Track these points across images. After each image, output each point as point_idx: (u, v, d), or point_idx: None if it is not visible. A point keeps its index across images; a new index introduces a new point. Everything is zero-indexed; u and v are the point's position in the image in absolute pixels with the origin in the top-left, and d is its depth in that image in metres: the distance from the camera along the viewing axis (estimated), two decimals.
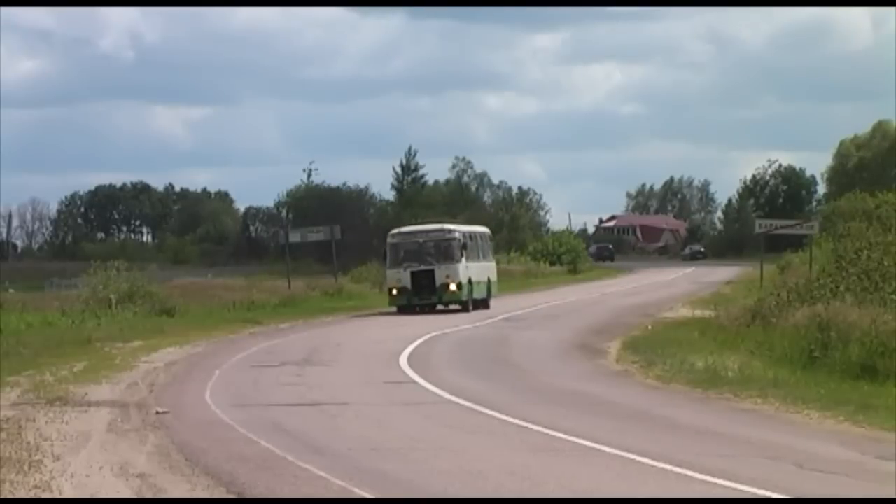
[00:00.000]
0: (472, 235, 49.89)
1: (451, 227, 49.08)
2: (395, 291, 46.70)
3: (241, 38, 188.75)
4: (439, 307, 46.75)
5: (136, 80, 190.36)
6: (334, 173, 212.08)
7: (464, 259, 46.70)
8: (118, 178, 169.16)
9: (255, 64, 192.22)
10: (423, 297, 46.25)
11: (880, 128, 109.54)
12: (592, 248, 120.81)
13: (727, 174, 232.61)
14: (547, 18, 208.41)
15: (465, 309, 46.13)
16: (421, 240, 47.25)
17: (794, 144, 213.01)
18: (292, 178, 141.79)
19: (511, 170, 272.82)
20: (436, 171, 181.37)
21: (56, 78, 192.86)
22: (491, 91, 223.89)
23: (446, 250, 46.80)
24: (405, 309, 45.84)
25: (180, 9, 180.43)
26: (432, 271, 46.18)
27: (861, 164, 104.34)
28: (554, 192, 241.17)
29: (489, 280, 49.81)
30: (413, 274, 46.24)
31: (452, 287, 46.02)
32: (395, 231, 48.95)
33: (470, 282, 46.84)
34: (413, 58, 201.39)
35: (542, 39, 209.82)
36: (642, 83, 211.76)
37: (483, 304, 47.96)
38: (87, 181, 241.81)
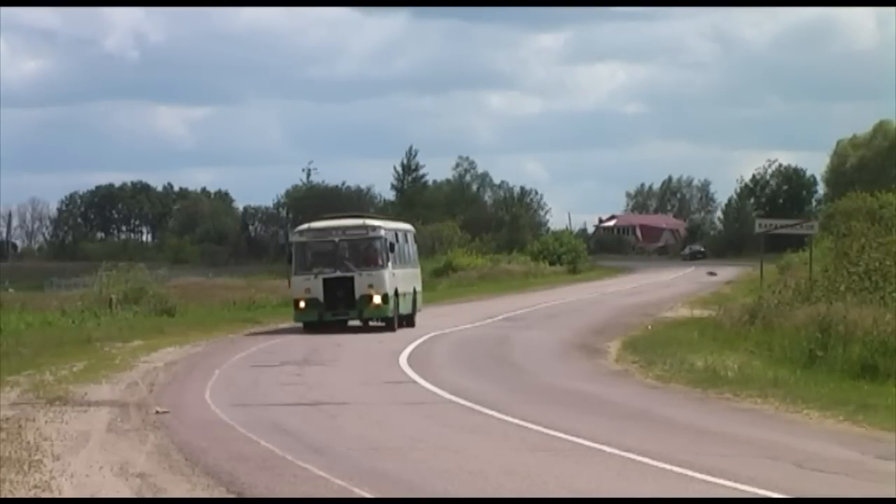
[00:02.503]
0: (397, 234, 40.28)
1: (375, 222, 39.55)
2: (302, 304, 37.41)
3: (245, 38, 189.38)
4: (353, 323, 38.13)
5: (139, 80, 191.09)
6: (337, 173, 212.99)
7: (390, 264, 37.81)
8: (119, 177, 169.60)
9: (258, 64, 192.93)
10: (338, 311, 37.32)
11: (881, 128, 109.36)
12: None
13: (729, 174, 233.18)
14: (551, 18, 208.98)
15: (389, 327, 37.41)
16: (336, 238, 37.78)
17: (796, 144, 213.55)
18: (294, 178, 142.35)
19: (514, 169, 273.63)
20: (439, 171, 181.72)
21: (60, 78, 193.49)
22: (494, 91, 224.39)
23: (368, 252, 37.80)
24: (314, 326, 37.11)
25: (184, 9, 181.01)
26: (351, 279, 37.16)
27: (861, 163, 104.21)
28: (555, 191, 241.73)
29: (415, 291, 40.66)
30: (326, 282, 37.15)
31: (377, 300, 37.07)
32: (304, 227, 39.41)
33: (396, 293, 37.89)
34: (417, 57, 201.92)
35: (545, 39, 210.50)
36: (646, 83, 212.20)
37: (408, 320, 39.21)
38: (88, 181, 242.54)
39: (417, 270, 42.93)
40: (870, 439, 16.19)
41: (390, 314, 37.53)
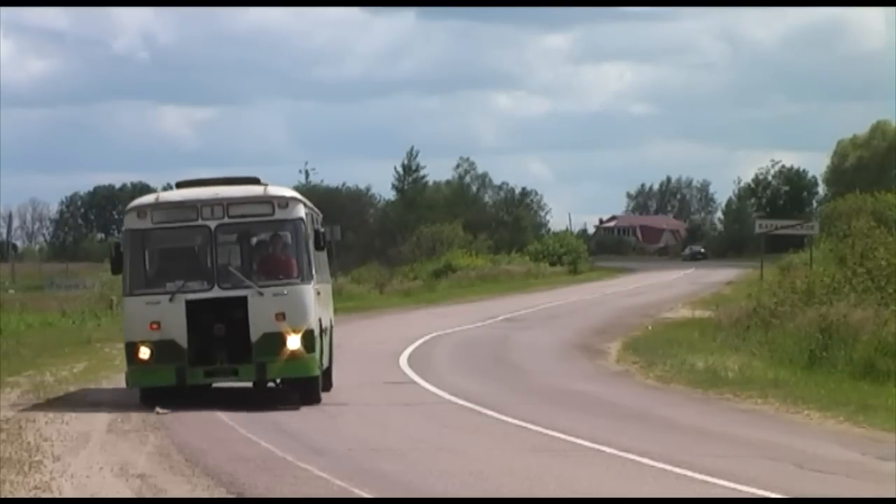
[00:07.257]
0: (314, 217, 21.86)
1: (286, 192, 20.86)
2: (145, 352, 19.57)
3: (252, 39, 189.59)
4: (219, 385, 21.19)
5: (145, 81, 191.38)
6: (341, 174, 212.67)
7: (315, 272, 20.37)
8: (121, 178, 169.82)
9: (264, 64, 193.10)
10: (216, 366, 19.90)
11: (879, 128, 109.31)
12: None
13: (731, 174, 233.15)
14: (558, 18, 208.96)
15: (307, 395, 20.15)
16: (212, 222, 19.92)
17: (801, 145, 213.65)
18: (295, 179, 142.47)
19: (517, 170, 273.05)
20: (444, 171, 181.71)
21: (65, 78, 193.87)
22: (501, 91, 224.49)
23: (276, 248, 20.63)
24: (159, 395, 19.70)
25: (191, 9, 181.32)
26: (242, 301, 19.67)
27: (860, 164, 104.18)
28: (558, 191, 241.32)
29: (331, 323, 23.15)
30: (192, 308, 19.64)
31: (293, 343, 19.61)
32: (147, 200, 20.70)
33: (321, 329, 20.81)
34: (423, 58, 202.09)
35: (552, 39, 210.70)
36: (652, 83, 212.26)
37: (325, 376, 21.65)
38: (89, 181, 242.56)
39: (330, 286, 25.02)
40: (870, 440, 16.20)
41: (316, 371, 20.26)
